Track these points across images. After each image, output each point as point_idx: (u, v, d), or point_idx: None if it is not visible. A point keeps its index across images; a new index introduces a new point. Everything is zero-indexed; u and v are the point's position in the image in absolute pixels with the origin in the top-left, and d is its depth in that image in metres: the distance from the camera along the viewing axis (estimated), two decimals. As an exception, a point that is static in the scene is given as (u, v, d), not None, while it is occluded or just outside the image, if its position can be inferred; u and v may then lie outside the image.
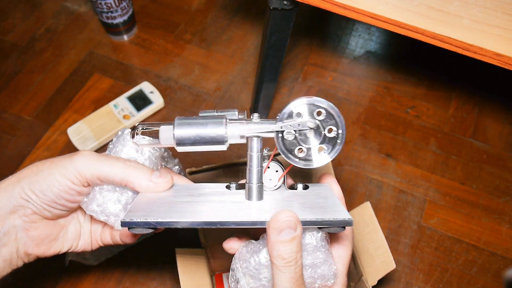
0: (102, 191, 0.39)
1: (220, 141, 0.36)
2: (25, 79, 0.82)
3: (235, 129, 0.36)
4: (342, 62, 0.86)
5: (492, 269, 0.65)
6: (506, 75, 0.84)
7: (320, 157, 0.37)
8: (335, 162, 0.74)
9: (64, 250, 0.42)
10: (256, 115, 0.37)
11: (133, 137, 0.39)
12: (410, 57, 0.87)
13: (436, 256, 0.66)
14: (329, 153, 0.37)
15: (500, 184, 0.73)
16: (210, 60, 0.86)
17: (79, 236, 0.43)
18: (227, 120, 0.37)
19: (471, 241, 0.67)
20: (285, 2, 0.55)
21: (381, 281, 0.58)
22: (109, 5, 0.78)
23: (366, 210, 0.59)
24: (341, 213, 0.35)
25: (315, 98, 0.36)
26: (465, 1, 0.51)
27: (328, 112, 0.36)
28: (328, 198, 0.38)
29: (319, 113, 0.36)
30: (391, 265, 0.54)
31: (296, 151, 0.37)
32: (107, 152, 0.42)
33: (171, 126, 0.36)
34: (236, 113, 0.39)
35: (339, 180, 0.71)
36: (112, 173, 0.37)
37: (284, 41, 0.62)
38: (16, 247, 0.39)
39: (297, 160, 0.37)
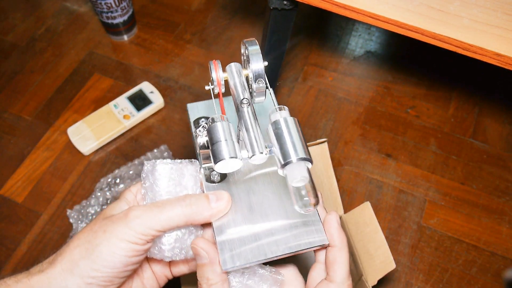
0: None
1: None
2: (25, 79, 0.82)
3: None
4: (342, 62, 0.86)
5: (492, 269, 0.65)
6: (506, 75, 0.84)
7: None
8: (335, 162, 0.74)
9: None
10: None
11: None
12: (410, 57, 0.87)
13: (436, 256, 0.66)
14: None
15: (500, 184, 0.73)
16: (210, 60, 0.85)
17: (144, 285, 0.41)
18: None
19: (471, 241, 0.67)
20: (285, 2, 0.55)
21: (381, 281, 0.58)
22: (109, 5, 0.78)
23: (366, 210, 0.59)
24: (314, 235, 0.35)
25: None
26: (465, 1, 0.51)
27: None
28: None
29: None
30: (391, 265, 0.54)
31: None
32: (143, 190, 0.39)
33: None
34: None
35: (338, 181, 0.72)
36: (173, 221, 0.35)
37: (284, 41, 0.62)
38: None
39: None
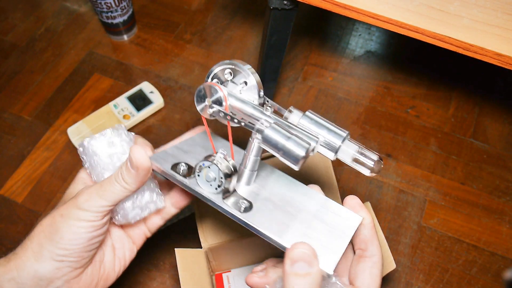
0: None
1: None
2: (25, 79, 0.82)
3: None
4: (342, 62, 0.86)
5: (492, 269, 0.65)
6: (506, 75, 0.84)
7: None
8: (335, 162, 0.74)
9: (118, 274, 0.44)
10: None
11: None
12: (410, 57, 0.87)
13: (436, 256, 0.66)
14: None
15: (501, 184, 0.72)
16: (210, 60, 0.85)
17: (122, 251, 0.44)
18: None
19: (471, 241, 0.67)
20: (285, 2, 0.55)
21: (382, 281, 0.58)
22: (109, 5, 0.78)
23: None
24: (329, 258, 0.33)
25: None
26: (465, 1, 0.51)
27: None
28: (337, 234, 0.36)
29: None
30: (391, 265, 0.54)
31: None
32: (87, 170, 0.42)
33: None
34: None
35: (338, 181, 0.72)
36: (118, 195, 0.38)
37: (284, 41, 0.62)
38: None
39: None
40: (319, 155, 0.62)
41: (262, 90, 0.39)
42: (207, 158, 0.38)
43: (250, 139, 0.38)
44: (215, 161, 0.37)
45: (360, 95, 0.82)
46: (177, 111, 0.79)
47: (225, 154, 0.38)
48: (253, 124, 0.37)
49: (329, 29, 0.91)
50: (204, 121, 0.41)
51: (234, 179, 0.38)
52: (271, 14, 0.57)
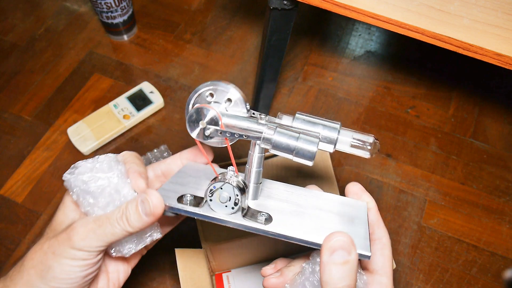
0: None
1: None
2: (25, 79, 0.82)
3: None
4: (342, 62, 0.86)
5: (492, 269, 0.65)
6: (506, 75, 0.84)
7: None
8: (335, 162, 0.74)
9: None
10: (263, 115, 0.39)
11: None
12: (410, 57, 0.87)
13: (436, 256, 0.66)
14: None
15: (501, 184, 0.72)
16: (210, 60, 0.86)
17: (116, 274, 0.43)
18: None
19: (471, 241, 0.67)
20: (285, 2, 0.55)
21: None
22: (109, 5, 0.78)
23: (366, 210, 0.59)
24: (362, 243, 0.34)
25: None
26: (466, 1, 0.51)
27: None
28: (354, 221, 0.37)
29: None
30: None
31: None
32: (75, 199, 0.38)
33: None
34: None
35: (338, 181, 0.72)
36: (116, 235, 0.36)
37: (284, 41, 0.62)
38: None
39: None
40: (320, 155, 0.62)
41: (248, 103, 0.39)
42: (214, 180, 0.37)
43: (250, 152, 0.38)
44: (228, 180, 0.36)
45: (360, 95, 0.82)
46: (177, 111, 0.79)
47: (233, 170, 0.37)
48: (257, 135, 0.37)
49: (329, 29, 0.91)
50: (199, 145, 0.40)
51: (246, 194, 0.38)
52: (271, 14, 0.57)
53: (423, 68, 0.85)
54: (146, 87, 0.79)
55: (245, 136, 0.37)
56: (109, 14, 0.80)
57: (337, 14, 0.52)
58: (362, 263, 0.37)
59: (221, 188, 0.36)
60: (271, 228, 0.36)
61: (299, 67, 0.85)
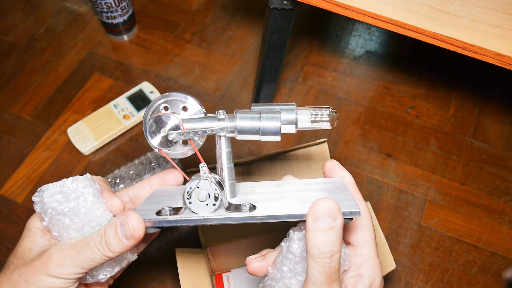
0: None
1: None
2: (25, 79, 0.82)
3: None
4: (342, 62, 0.86)
5: (492, 269, 0.65)
6: (506, 75, 0.84)
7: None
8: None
9: None
10: (221, 111, 0.39)
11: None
12: (410, 57, 0.87)
13: (436, 256, 0.66)
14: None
15: (501, 184, 0.72)
16: (210, 60, 0.86)
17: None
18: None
19: (471, 241, 0.67)
20: (285, 2, 0.55)
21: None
22: (109, 5, 0.78)
23: (366, 210, 0.59)
24: (347, 204, 0.34)
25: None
26: (466, 1, 0.51)
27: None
28: (335, 191, 0.38)
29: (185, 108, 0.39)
30: (391, 265, 0.54)
31: None
32: (44, 223, 0.36)
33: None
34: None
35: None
36: (94, 262, 0.34)
37: (284, 41, 0.62)
38: None
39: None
40: (320, 155, 0.62)
41: (203, 108, 0.39)
42: (189, 182, 0.36)
43: (217, 150, 0.38)
44: (202, 176, 0.36)
45: (360, 95, 0.82)
46: (177, 111, 0.79)
47: (205, 166, 0.37)
48: (221, 126, 0.37)
49: (329, 29, 0.91)
50: (164, 154, 0.39)
51: (224, 189, 0.37)
52: (271, 14, 0.57)
53: (423, 68, 0.85)
54: (146, 87, 0.79)
55: (209, 131, 0.38)
56: (109, 14, 0.80)
57: (337, 14, 0.52)
58: (345, 238, 0.37)
59: (198, 187, 0.35)
60: (257, 213, 0.35)
61: (299, 67, 0.85)
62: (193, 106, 0.39)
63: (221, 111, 0.38)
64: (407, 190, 0.72)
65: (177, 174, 0.42)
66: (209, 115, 0.39)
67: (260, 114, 0.37)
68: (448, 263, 0.66)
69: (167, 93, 0.39)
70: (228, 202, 0.38)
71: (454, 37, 0.49)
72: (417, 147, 0.76)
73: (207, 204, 0.36)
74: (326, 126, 0.39)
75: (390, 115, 0.80)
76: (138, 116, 0.76)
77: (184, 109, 0.39)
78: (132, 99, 0.78)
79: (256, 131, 0.37)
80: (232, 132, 0.37)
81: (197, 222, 0.36)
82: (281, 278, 0.34)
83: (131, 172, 0.71)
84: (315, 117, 0.39)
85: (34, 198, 0.36)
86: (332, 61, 0.86)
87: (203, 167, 0.37)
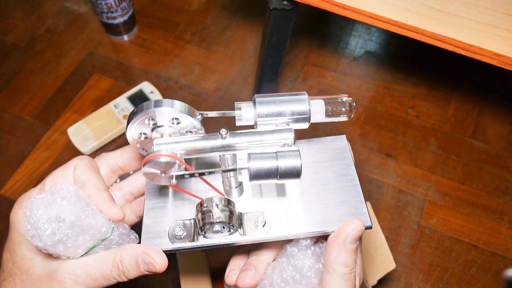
0: None
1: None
2: (25, 79, 0.82)
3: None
4: (342, 62, 0.86)
5: (492, 269, 0.65)
6: (506, 75, 0.84)
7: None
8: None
9: None
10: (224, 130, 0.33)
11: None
12: (410, 57, 0.87)
13: (436, 256, 0.66)
14: None
15: (500, 184, 0.73)
16: (210, 60, 0.86)
17: None
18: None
19: (471, 241, 0.67)
20: (285, 2, 0.55)
21: (381, 281, 0.58)
22: (109, 5, 0.78)
23: (366, 210, 0.59)
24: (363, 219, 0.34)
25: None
26: (465, 1, 0.51)
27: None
28: (349, 188, 0.37)
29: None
30: (391, 265, 0.54)
31: None
32: (27, 235, 0.32)
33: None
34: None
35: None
36: (108, 285, 0.34)
37: (284, 41, 0.62)
38: None
39: None
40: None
41: (196, 110, 0.33)
42: (202, 215, 0.34)
43: (220, 155, 0.34)
44: (215, 218, 0.33)
45: (360, 95, 0.82)
46: (177, 111, 0.79)
47: (215, 201, 0.34)
48: (230, 164, 0.33)
49: (329, 29, 0.91)
50: (176, 188, 0.35)
51: (235, 210, 0.35)
52: (271, 14, 0.57)
53: (423, 68, 0.85)
54: (146, 87, 0.79)
55: (218, 171, 0.33)
56: (110, 14, 0.80)
57: (337, 14, 0.52)
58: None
59: (212, 226, 0.34)
60: (274, 233, 0.35)
61: (299, 67, 0.85)
62: (182, 112, 0.32)
63: (223, 131, 0.32)
64: (406, 190, 0.72)
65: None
66: (209, 135, 0.33)
67: (276, 153, 0.31)
68: (448, 263, 0.66)
69: (146, 103, 0.32)
70: (239, 214, 0.36)
71: (454, 37, 0.49)
72: (417, 147, 0.76)
73: (221, 232, 0.34)
74: (343, 118, 0.34)
75: (390, 115, 0.80)
76: (138, 116, 0.76)
77: (176, 119, 0.32)
78: (132, 99, 0.78)
79: (275, 175, 0.31)
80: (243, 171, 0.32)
81: (214, 247, 0.35)
82: None
83: (131, 173, 0.71)
84: (331, 109, 0.34)
85: (26, 211, 0.33)
86: (332, 61, 0.86)
87: (216, 205, 0.34)
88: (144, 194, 0.40)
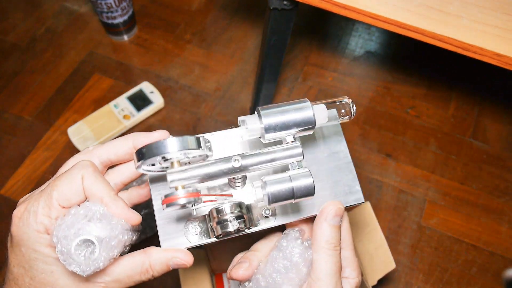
0: None
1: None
2: (25, 79, 0.82)
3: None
4: (342, 62, 0.86)
5: (492, 269, 0.65)
6: (506, 75, 0.84)
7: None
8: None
9: None
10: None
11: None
12: (410, 57, 0.87)
13: (436, 256, 0.66)
14: None
15: (500, 184, 0.73)
16: (210, 60, 0.86)
17: None
18: None
19: (471, 241, 0.68)
20: (285, 2, 0.55)
21: (381, 281, 0.58)
22: (109, 5, 0.78)
23: (366, 210, 0.59)
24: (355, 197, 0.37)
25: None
26: (465, 1, 0.51)
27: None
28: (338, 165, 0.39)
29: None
30: (391, 265, 0.54)
31: None
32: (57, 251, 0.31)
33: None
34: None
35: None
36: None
37: (284, 41, 0.62)
38: None
39: None
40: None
41: (203, 138, 0.33)
42: (220, 227, 0.35)
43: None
44: (231, 228, 0.35)
45: (360, 95, 0.82)
46: (177, 111, 0.79)
47: (228, 211, 0.35)
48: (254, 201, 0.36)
49: (329, 29, 0.91)
50: (205, 201, 0.35)
51: (245, 210, 0.36)
52: (271, 14, 0.57)
53: (423, 68, 0.85)
54: (146, 87, 0.79)
55: (232, 201, 0.35)
56: (110, 14, 0.80)
57: (337, 14, 0.52)
58: None
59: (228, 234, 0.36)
60: (283, 220, 0.37)
61: (299, 67, 0.85)
62: (191, 143, 0.32)
63: (237, 158, 0.33)
64: (406, 190, 0.72)
65: (164, 133, 0.40)
66: (220, 159, 0.33)
67: (289, 175, 0.32)
68: (448, 262, 0.66)
69: (148, 146, 0.31)
70: (246, 206, 0.37)
71: (454, 37, 0.49)
72: (416, 147, 0.76)
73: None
74: (345, 120, 0.37)
75: (390, 115, 0.80)
76: (138, 116, 0.76)
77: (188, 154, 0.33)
78: (132, 99, 0.78)
79: (291, 197, 0.32)
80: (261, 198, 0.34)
81: (229, 238, 0.37)
82: (273, 285, 0.35)
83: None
84: (332, 113, 0.36)
85: (56, 228, 0.32)
86: (332, 61, 0.86)
87: (232, 216, 0.35)
88: (133, 180, 0.42)
